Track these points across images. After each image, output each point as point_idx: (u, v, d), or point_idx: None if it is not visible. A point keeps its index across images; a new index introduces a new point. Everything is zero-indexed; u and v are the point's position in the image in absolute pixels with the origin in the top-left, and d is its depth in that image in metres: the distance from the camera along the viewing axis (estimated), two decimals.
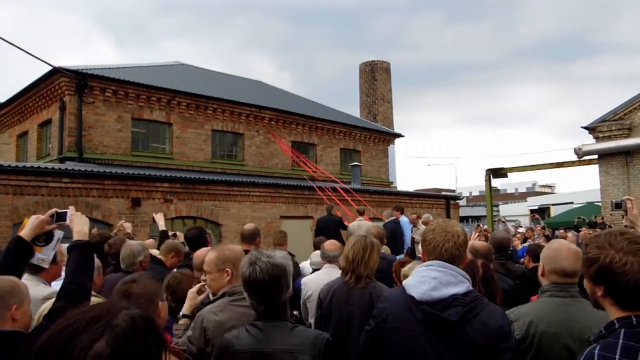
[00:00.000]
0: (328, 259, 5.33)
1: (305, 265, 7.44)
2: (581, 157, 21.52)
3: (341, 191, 17.97)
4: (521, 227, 18.98)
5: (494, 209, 40.18)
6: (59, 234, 3.23)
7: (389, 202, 20.60)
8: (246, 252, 5.55)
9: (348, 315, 4.00)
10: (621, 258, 1.90)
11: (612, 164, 21.32)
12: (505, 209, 53.95)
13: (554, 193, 77.99)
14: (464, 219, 50.36)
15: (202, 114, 18.46)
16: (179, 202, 14.51)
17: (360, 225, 10.63)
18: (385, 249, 7.66)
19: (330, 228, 11.83)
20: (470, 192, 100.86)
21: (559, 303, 2.89)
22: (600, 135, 21.93)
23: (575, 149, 21.40)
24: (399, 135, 27.79)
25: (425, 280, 2.54)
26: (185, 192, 14.67)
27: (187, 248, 7.07)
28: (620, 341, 1.85)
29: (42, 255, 3.19)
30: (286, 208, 17.37)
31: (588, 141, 22.03)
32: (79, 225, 3.12)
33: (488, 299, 3.77)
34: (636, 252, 1.90)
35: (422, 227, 12.15)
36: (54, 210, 3.20)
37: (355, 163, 23.04)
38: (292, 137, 21.73)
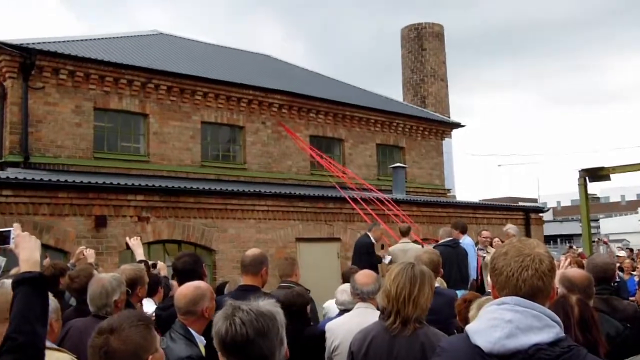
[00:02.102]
0: (361, 295, 5.32)
1: (330, 305, 7.43)
2: None
3: (382, 203, 17.96)
4: (630, 249, 18.73)
5: (592, 224, 39.64)
6: (0, 261, 3.26)
7: (445, 217, 20.49)
8: (248, 288, 5.69)
9: None
10: None
11: None
12: (608, 225, 53.32)
13: None
14: (550, 239, 49.98)
15: (188, 101, 18.66)
16: (158, 221, 14.61)
17: (405, 250, 10.62)
18: (440, 282, 7.64)
19: (360, 253, 11.87)
20: (559, 202, 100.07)
21: None
22: None
23: None
24: (458, 125, 27.70)
25: (496, 324, 2.51)
26: (166, 207, 14.76)
27: (173, 283, 7.11)
28: None
29: None
30: (304, 227, 17.40)
31: None
32: (28, 250, 3.11)
33: (587, 349, 3.73)
34: None
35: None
36: None
37: (398, 164, 23.04)
38: (311, 130, 21.81)
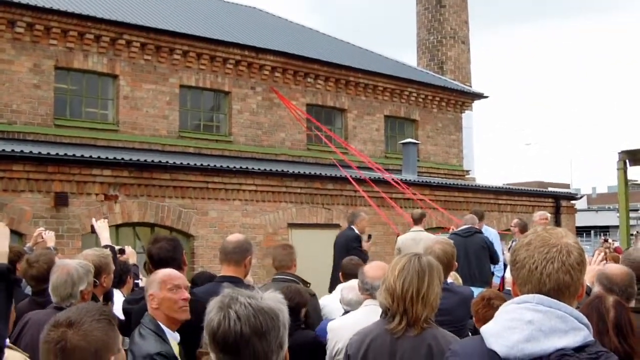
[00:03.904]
0: (371, 292, 5.30)
1: (327, 302, 7.47)
2: None
3: (390, 185, 17.98)
4: None
5: (632, 214, 39.53)
6: None
7: (463, 202, 20.56)
8: (230, 279, 5.72)
9: None
10: None
11: None
12: None
13: None
14: (583, 230, 50.03)
15: (165, 61, 18.62)
16: (127, 200, 14.62)
17: (416, 240, 10.62)
18: (454, 277, 7.69)
19: (346, 249, 11.84)
20: (594, 189, 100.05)
21: None
22: None
23: None
24: (481, 96, 27.65)
25: (515, 325, 2.52)
26: (137, 184, 14.77)
27: (141, 272, 7.14)
28: None
29: None
30: (298, 211, 17.43)
31: None
32: None
33: (622, 357, 3.78)
34: None
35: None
36: None
37: (409, 140, 23.03)
38: (309, 98, 21.78)
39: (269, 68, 20.52)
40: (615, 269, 5.15)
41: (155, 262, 5.79)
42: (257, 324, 2.52)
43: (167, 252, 5.78)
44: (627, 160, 23.33)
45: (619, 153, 23.38)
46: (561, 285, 2.56)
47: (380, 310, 4.91)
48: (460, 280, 8.19)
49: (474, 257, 11.66)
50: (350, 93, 22.86)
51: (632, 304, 4.87)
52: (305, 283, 7.31)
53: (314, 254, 14.86)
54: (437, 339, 4.04)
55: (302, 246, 16.86)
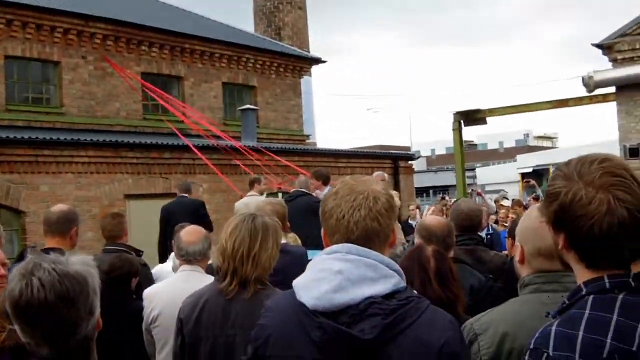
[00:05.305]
0: (186, 257, 5.30)
1: (160, 270, 7.42)
2: (592, 91, 22.55)
3: (236, 150, 17.95)
4: (507, 199, 19.79)
5: (469, 174, 41.35)
6: None
7: (303, 166, 20.73)
8: (55, 250, 5.54)
9: (226, 344, 3.99)
10: (587, 194, 2.01)
11: (638, 99, 22.51)
12: (486, 174, 56.03)
13: (555, 147, 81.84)
14: (423, 191, 51.93)
15: None
16: None
17: (248, 204, 10.59)
18: (293, 239, 7.76)
19: (180, 219, 11.75)
20: (433, 151, 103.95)
21: (547, 302, 2.96)
22: (620, 57, 23.03)
23: (583, 79, 22.39)
24: (319, 61, 28.04)
25: (324, 276, 2.51)
26: None
27: None
28: (587, 312, 2.00)
29: None
30: (134, 182, 17.32)
31: (602, 66, 23.09)
32: None
33: (446, 304, 3.91)
34: (610, 186, 2.02)
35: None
36: None
37: (248, 106, 23.11)
38: (143, 66, 21.51)
39: (100, 36, 20.07)
40: (434, 219, 5.32)
41: None
42: (63, 290, 2.42)
43: None
44: (461, 121, 24.45)
45: (453, 114, 24.44)
46: (369, 233, 2.55)
47: (196, 277, 4.90)
48: (299, 241, 8.25)
49: (299, 220, 11.66)
50: (186, 61, 22.73)
51: (451, 254, 5.04)
52: (138, 252, 7.20)
53: (153, 225, 14.68)
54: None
55: (141, 217, 16.88)
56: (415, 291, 2.76)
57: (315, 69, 28.60)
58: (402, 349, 2.43)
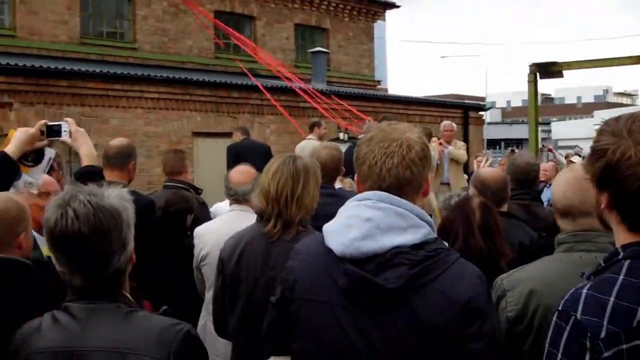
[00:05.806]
0: (236, 197, 5.32)
1: (218, 208, 7.49)
2: None
3: (307, 93, 17.90)
4: (580, 156, 19.38)
5: (544, 128, 40.48)
6: (50, 152, 4.00)
7: (372, 112, 20.57)
8: (112, 183, 5.63)
9: (267, 285, 3.94)
10: (637, 153, 1.95)
11: None
12: (561, 129, 54.96)
13: (634, 105, 79.63)
14: (495, 143, 51.15)
15: None
16: (23, 107, 14.35)
17: (303, 148, 10.49)
18: (349, 184, 7.74)
19: (251, 161, 11.78)
20: (509, 102, 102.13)
21: (579, 262, 2.92)
22: None
23: None
24: (393, 5, 27.57)
25: (353, 223, 2.50)
26: (33, 91, 14.49)
27: None
28: (621, 278, 1.95)
29: (30, 178, 3.92)
30: (203, 120, 17.36)
31: None
32: (86, 145, 4.01)
33: (488, 258, 3.87)
34: None
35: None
36: (44, 122, 3.94)
37: (319, 48, 22.94)
38: (216, 4, 21.49)
39: None
40: (489, 172, 5.24)
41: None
42: (97, 222, 2.47)
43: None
44: (537, 73, 23.85)
45: (529, 66, 23.79)
46: (401, 181, 2.52)
47: (246, 216, 4.91)
48: (355, 187, 8.22)
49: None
50: (259, 0, 22.59)
51: (504, 208, 4.98)
52: (197, 190, 7.27)
53: (219, 163, 14.83)
54: None
55: (208, 155, 17.05)
56: (446, 243, 2.77)
57: (389, 13, 28.28)
58: (426, 301, 2.41)
